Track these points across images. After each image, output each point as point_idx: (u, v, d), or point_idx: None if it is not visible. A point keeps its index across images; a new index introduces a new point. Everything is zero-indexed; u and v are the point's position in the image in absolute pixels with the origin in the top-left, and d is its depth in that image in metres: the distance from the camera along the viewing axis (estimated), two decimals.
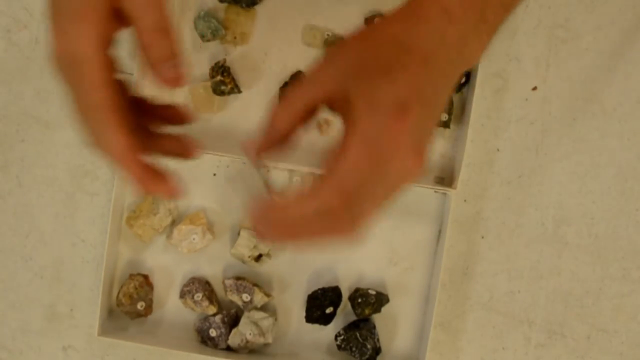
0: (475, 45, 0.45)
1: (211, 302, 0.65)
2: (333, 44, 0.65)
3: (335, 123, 0.66)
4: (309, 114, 0.44)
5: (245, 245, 0.64)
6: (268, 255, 0.65)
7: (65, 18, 0.40)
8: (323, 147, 0.66)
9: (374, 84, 0.41)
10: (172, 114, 0.48)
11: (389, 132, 0.40)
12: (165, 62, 0.42)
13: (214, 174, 0.67)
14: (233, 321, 0.65)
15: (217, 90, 0.64)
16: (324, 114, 0.65)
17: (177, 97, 0.66)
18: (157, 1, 0.41)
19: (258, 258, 0.65)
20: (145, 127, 0.47)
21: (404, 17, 0.44)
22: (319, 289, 0.65)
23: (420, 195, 0.66)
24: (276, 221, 0.42)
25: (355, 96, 0.41)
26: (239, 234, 0.65)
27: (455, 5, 0.44)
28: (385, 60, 0.42)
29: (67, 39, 0.40)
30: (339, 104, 0.42)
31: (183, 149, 0.48)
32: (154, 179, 0.44)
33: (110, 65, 0.42)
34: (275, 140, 0.45)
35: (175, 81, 0.43)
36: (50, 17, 0.41)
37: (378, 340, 0.65)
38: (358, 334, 0.63)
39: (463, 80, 0.64)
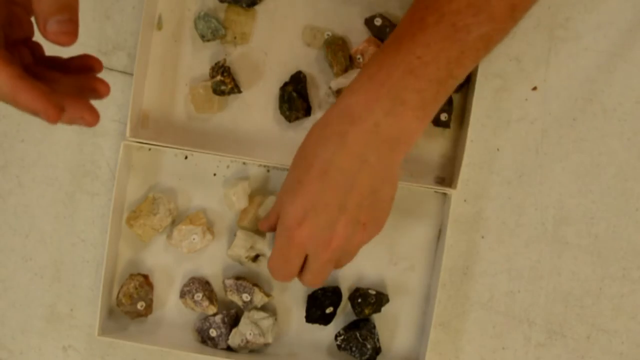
0: (393, 123, 0.51)
1: (211, 302, 0.65)
2: (332, 43, 0.65)
3: None
4: None
5: (242, 245, 0.64)
6: (265, 255, 0.65)
7: None
8: None
9: (285, 202, 0.54)
10: (82, 62, 0.49)
11: (291, 240, 0.54)
12: (53, 16, 0.42)
13: (214, 174, 0.67)
14: (233, 321, 0.65)
15: (217, 90, 0.64)
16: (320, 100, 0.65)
17: (177, 96, 0.66)
18: None
19: (255, 258, 0.65)
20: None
21: (317, 125, 0.55)
22: (319, 289, 0.65)
23: (420, 195, 0.66)
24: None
25: (279, 210, 0.56)
26: (235, 234, 0.65)
27: (356, 105, 0.52)
28: (292, 181, 0.54)
29: None
30: None
31: (90, 78, 0.49)
32: (73, 102, 0.44)
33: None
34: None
35: (63, 37, 0.42)
36: None
37: (378, 340, 0.65)
38: (358, 334, 0.63)
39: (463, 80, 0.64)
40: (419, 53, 0.51)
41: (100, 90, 0.49)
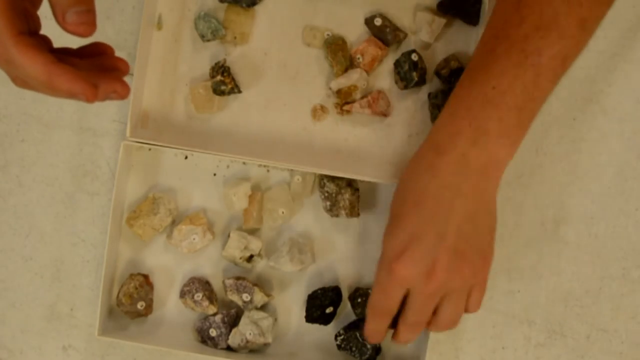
0: (480, 153, 0.53)
1: (211, 302, 0.65)
2: (332, 43, 0.65)
3: (329, 110, 0.66)
4: None
5: (236, 246, 0.64)
6: (259, 255, 0.65)
7: None
8: (323, 146, 0.66)
9: (385, 237, 0.56)
10: (94, 50, 0.50)
11: (392, 273, 0.54)
12: (72, 7, 0.43)
13: (214, 174, 0.67)
14: (233, 321, 0.65)
15: (217, 90, 0.64)
16: (319, 101, 0.66)
17: (177, 96, 0.66)
18: None
19: (249, 259, 0.65)
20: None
21: (410, 161, 0.57)
22: (319, 289, 0.65)
23: None
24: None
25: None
26: (228, 236, 0.65)
27: (442, 139, 0.54)
28: (391, 217, 0.56)
29: None
30: None
31: (112, 62, 0.50)
32: (102, 78, 0.45)
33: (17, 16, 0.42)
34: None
35: (83, 27, 0.43)
36: None
37: None
38: (358, 334, 0.63)
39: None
40: (494, 83, 0.53)
41: (121, 67, 0.50)
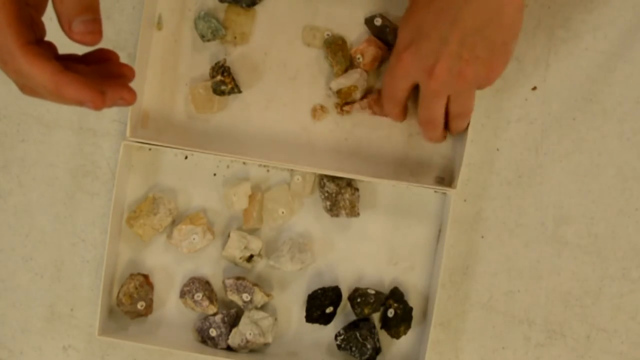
0: None
1: (211, 302, 0.65)
2: (332, 43, 0.65)
3: (329, 109, 0.66)
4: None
5: (236, 246, 0.64)
6: (259, 255, 0.65)
7: None
8: (323, 146, 0.66)
9: (399, 29, 0.59)
10: (99, 56, 0.50)
11: (399, 62, 0.58)
12: (78, 16, 0.43)
13: (214, 174, 0.67)
14: (233, 321, 0.66)
15: (217, 90, 0.64)
16: (319, 101, 0.66)
17: (177, 96, 0.66)
18: None
19: (249, 259, 0.65)
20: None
21: None
22: (319, 289, 0.65)
23: (420, 195, 0.66)
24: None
25: None
26: (228, 235, 0.65)
27: None
28: (409, 5, 0.58)
29: None
30: None
31: (118, 68, 0.50)
32: (109, 85, 0.46)
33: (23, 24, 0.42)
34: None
35: (89, 36, 0.44)
36: None
37: (378, 340, 0.65)
38: (358, 334, 0.63)
39: None
40: None
41: (127, 73, 0.50)
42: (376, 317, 0.66)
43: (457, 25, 0.53)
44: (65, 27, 0.43)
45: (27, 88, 0.45)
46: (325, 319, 0.65)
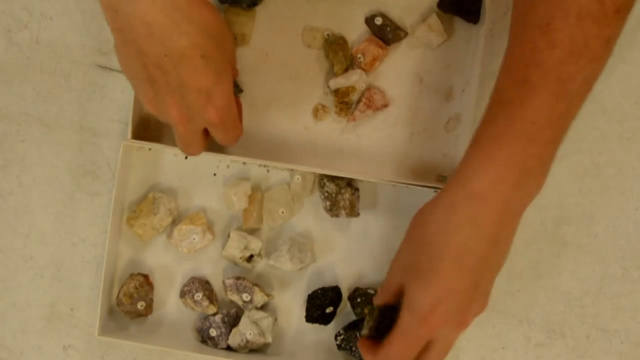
0: (522, 196, 0.51)
1: (211, 301, 0.65)
2: (333, 43, 0.65)
3: (330, 109, 0.66)
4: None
5: (236, 246, 0.64)
6: (259, 255, 0.65)
7: (217, 98, 0.53)
8: (324, 145, 0.66)
9: (414, 289, 0.52)
10: None
11: (424, 326, 0.52)
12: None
13: (214, 174, 0.67)
14: (233, 321, 0.66)
15: None
16: (320, 101, 0.66)
17: None
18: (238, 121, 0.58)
19: (249, 259, 0.65)
20: None
21: (440, 209, 0.53)
22: (319, 289, 0.65)
23: (420, 195, 0.66)
24: None
25: (405, 293, 0.53)
26: (228, 235, 0.65)
27: (482, 186, 0.50)
28: (423, 266, 0.52)
29: (222, 111, 0.54)
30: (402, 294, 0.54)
31: None
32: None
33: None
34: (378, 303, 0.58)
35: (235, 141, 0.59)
36: (195, 96, 0.52)
37: None
38: (358, 334, 0.63)
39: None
40: (534, 118, 0.48)
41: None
42: None
43: (488, 271, 0.52)
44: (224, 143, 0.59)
45: (191, 143, 0.57)
46: (325, 319, 0.65)
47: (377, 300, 0.57)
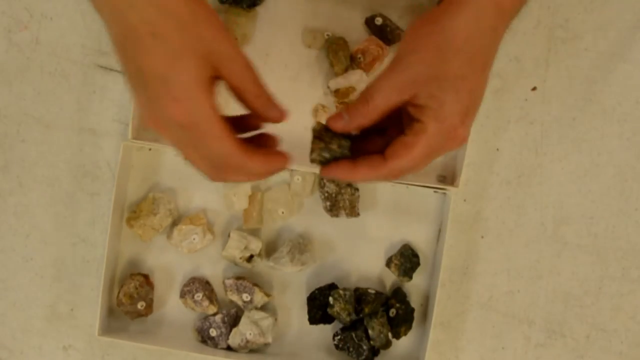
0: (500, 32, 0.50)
1: (211, 302, 0.65)
2: (333, 43, 0.65)
3: (330, 109, 0.66)
4: (385, 114, 0.50)
5: (236, 246, 0.64)
6: (259, 255, 0.65)
7: (175, 89, 0.44)
8: None
9: (441, 99, 0.48)
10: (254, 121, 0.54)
11: (453, 137, 0.49)
12: (270, 110, 0.51)
13: None
14: (233, 321, 0.66)
15: None
16: (320, 101, 0.66)
17: None
18: (252, 73, 0.49)
19: (249, 259, 0.65)
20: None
21: (467, 19, 0.49)
22: (316, 289, 0.65)
23: (420, 195, 0.66)
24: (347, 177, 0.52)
25: (425, 105, 0.48)
26: (228, 236, 0.65)
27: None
28: (454, 72, 0.48)
29: (184, 108, 0.45)
30: (410, 105, 0.49)
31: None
32: (273, 156, 0.52)
33: (222, 118, 0.47)
34: (353, 129, 0.52)
35: (282, 117, 0.51)
36: (152, 86, 0.44)
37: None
38: (354, 335, 0.63)
39: None
40: None
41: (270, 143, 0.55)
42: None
43: (488, 77, 0.51)
44: (262, 118, 0.51)
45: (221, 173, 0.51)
46: (328, 318, 0.65)
47: (353, 123, 0.51)
